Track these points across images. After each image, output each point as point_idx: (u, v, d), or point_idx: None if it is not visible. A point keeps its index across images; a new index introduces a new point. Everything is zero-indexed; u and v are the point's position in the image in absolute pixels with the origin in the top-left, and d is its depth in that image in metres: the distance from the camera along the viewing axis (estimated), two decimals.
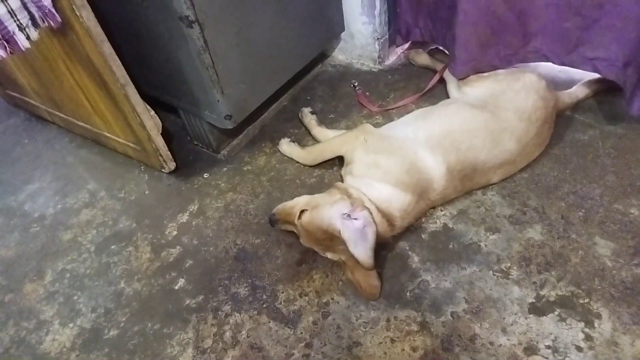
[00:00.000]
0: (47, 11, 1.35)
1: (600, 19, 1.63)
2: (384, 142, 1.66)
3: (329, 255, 1.50)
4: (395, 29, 2.18)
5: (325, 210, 1.44)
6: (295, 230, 1.55)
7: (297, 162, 1.90)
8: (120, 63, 1.52)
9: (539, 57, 1.82)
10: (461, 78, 1.90)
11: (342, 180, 1.70)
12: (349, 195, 1.49)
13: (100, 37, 1.43)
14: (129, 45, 1.65)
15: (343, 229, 1.36)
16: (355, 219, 1.37)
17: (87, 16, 1.38)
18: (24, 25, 1.35)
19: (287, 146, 1.94)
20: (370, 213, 1.40)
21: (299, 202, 1.54)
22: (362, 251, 1.34)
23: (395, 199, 1.50)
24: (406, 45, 2.29)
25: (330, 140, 1.86)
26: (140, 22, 1.57)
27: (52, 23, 1.38)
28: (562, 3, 1.65)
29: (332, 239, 1.41)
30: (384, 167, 1.57)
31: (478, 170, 1.60)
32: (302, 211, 1.48)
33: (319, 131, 1.95)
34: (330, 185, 1.76)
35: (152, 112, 1.71)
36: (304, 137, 2.01)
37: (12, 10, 1.33)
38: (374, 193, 1.50)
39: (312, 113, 2.02)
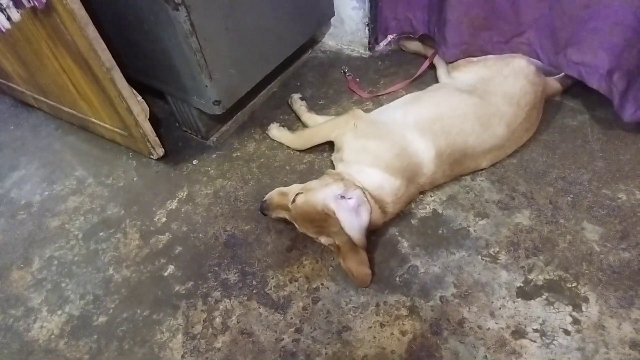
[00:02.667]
0: None
1: (589, 21, 1.58)
2: (374, 127, 1.65)
3: (323, 239, 1.49)
4: (377, 25, 2.15)
5: (320, 192, 1.44)
6: (287, 217, 1.54)
7: (287, 148, 1.89)
8: (106, 47, 1.49)
9: (530, 51, 1.78)
10: (451, 61, 1.89)
11: (333, 168, 1.70)
12: (341, 179, 1.49)
13: (84, 19, 1.40)
14: (115, 28, 1.62)
15: (337, 209, 1.37)
16: (350, 198, 1.39)
17: None
18: (5, 5, 1.33)
19: (276, 131, 1.93)
20: (364, 192, 1.42)
21: (292, 188, 1.53)
22: (356, 230, 1.36)
23: (386, 185, 1.50)
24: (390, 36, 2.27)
25: (320, 125, 1.85)
26: (126, 5, 1.53)
27: (36, 3, 1.35)
28: None
29: (326, 220, 1.41)
30: (374, 152, 1.56)
31: (467, 154, 1.60)
32: (296, 195, 1.48)
33: (308, 117, 1.94)
34: (320, 172, 1.77)
35: (139, 97, 1.68)
36: (294, 124, 1.99)
37: None
38: (366, 179, 1.50)
39: (301, 99, 2.01)
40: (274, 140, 1.94)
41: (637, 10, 1.47)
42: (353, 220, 1.36)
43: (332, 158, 1.74)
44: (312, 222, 1.45)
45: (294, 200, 1.47)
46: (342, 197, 1.40)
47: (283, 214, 1.54)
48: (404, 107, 1.70)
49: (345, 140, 1.65)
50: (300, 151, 1.88)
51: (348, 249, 1.41)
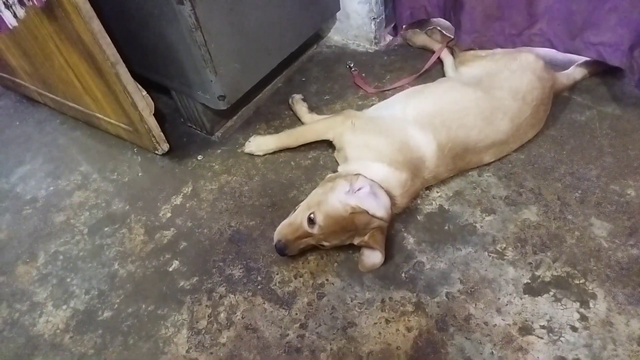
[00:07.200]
0: None
1: (607, 1, 1.58)
2: (372, 122, 1.65)
3: (356, 241, 1.45)
4: (397, 15, 2.15)
5: (332, 199, 1.41)
6: (312, 242, 1.44)
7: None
8: (110, 41, 1.48)
9: (543, 41, 1.78)
10: (464, 49, 1.88)
11: (337, 163, 1.71)
12: (342, 176, 1.48)
13: (89, 14, 1.39)
14: (120, 23, 1.62)
15: (360, 201, 1.38)
16: (360, 188, 1.40)
17: None
18: (10, 2, 1.32)
19: (260, 139, 1.87)
20: (364, 176, 1.45)
21: (298, 213, 1.45)
22: (384, 208, 1.38)
23: (392, 178, 1.49)
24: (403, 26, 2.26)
25: (315, 122, 1.83)
26: None
27: (35, 2, 1.34)
28: None
29: (353, 220, 1.39)
30: (376, 147, 1.56)
31: (469, 149, 1.59)
32: (310, 216, 1.40)
33: (309, 118, 1.92)
34: (325, 168, 1.77)
35: (144, 92, 1.68)
36: (295, 123, 1.97)
37: None
38: (372, 174, 1.49)
39: (303, 100, 1.98)
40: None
41: None
42: (378, 202, 1.38)
43: (335, 156, 1.74)
44: (344, 229, 1.40)
45: (311, 222, 1.40)
46: (352, 191, 1.40)
47: (306, 241, 1.44)
48: (404, 101, 1.69)
49: (345, 139, 1.64)
50: (294, 148, 1.84)
51: (380, 233, 1.42)
